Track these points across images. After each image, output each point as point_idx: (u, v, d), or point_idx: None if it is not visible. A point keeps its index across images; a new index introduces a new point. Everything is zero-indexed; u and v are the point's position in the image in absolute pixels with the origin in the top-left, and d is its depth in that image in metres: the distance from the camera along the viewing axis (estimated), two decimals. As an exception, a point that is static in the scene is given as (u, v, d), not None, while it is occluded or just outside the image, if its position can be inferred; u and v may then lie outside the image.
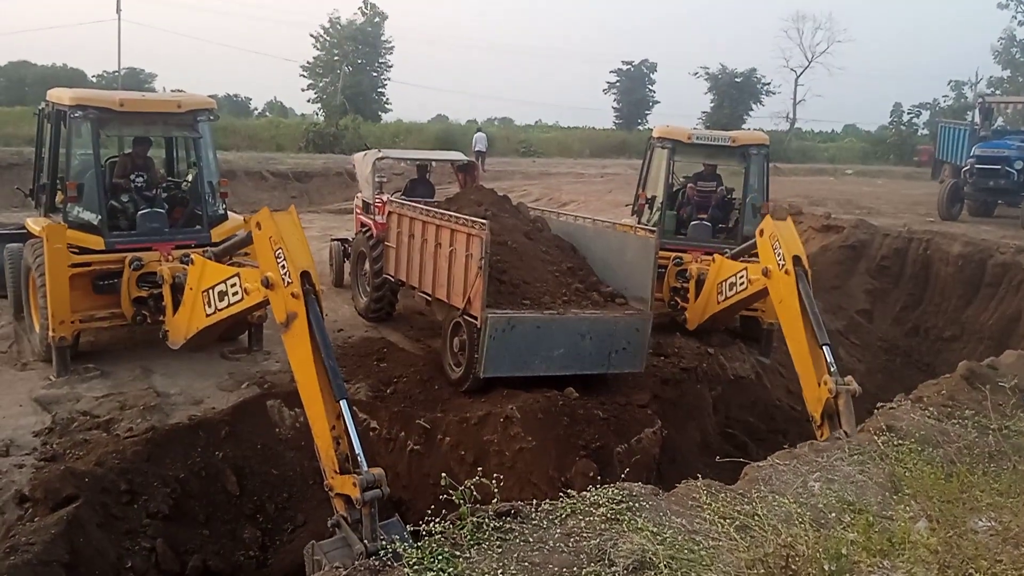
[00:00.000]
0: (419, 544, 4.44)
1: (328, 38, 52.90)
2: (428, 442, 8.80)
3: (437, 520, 4.54)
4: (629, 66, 61.64)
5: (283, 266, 6.49)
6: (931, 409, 7.00)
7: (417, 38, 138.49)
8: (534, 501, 5.02)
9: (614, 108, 62.68)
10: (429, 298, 10.36)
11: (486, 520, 4.63)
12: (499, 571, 4.13)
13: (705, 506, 4.80)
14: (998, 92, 53.08)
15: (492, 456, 8.39)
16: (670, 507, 5.03)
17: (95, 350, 10.11)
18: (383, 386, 9.90)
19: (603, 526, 4.67)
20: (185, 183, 10.77)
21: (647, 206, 12.97)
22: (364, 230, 12.75)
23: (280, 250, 6.51)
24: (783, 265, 8.91)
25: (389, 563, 4.51)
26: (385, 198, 12.05)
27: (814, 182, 31.80)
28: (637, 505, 4.93)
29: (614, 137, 54.77)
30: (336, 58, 51.97)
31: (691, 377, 10.78)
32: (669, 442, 9.53)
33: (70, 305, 9.15)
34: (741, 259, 10.84)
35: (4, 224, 13.23)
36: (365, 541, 5.64)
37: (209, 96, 10.78)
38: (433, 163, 15.89)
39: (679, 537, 4.55)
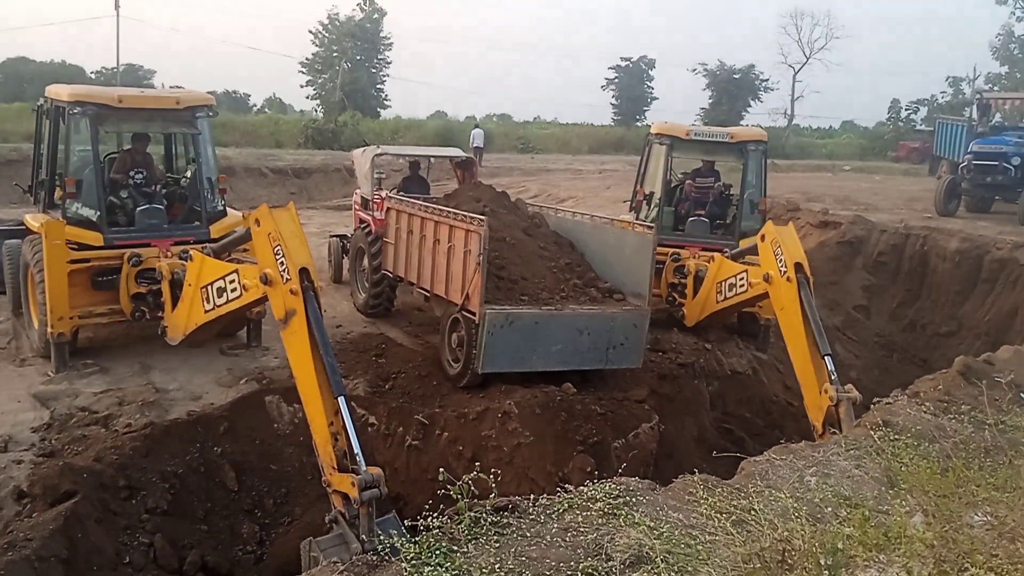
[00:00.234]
0: (417, 539, 4.46)
1: (327, 34, 52.81)
2: (426, 437, 8.82)
3: (435, 515, 4.55)
4: (627, 62, 61.53)
5: (282, 263, 6.50)
6: (927, 404, 7.03)
7: (416, 34, 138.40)
8: (532, 496, 5.04)
9: (612, 104, 62.58)
10: (428, 294, 10.37)
11: (484, 515, 4.64)
12: (496, 566, 4.14)
13: (702, 501, 4.81)
14: (996, 88, 53.04)
15: (490, 451, 8.41)
16: (667, 502, 5.05)
17: (94, 346, 10.12)
18: (381, 382, 9.92)
19: (600, 521, 4.69)
20: (184, 179, 10.77)
21: (645, 202, 12.99)
22: (363, 226, 12.76)
23: (279, 247, 6.53)
24: (785, 272, 8.90)
25: (387, 558, 4.53)
26: (384, 194, 12.06)
27: (812, 178, 31.81)
28: (634, 500, 4.96)
29: (612, 133, 54.72)
30: (335, 54, 51.84)
31: (688, 372, 10.81)
32: (666, 437, 9.55)
33: (69, 301, 9.15)
34: (741, 260, 10.85)
35: (3, 220, 13.21)
36: (362, 538, 5.66)
37: (208, 92, 10.78)
38: (431, 159, 15.90)
39: (676, 532, 4.57)
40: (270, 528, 8.10)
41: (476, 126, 39.08)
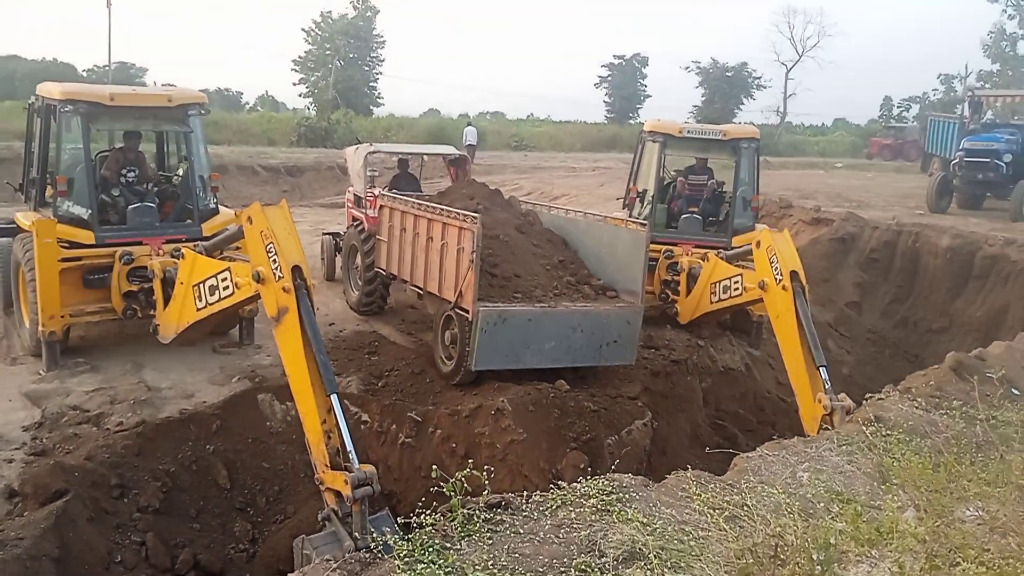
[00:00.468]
0: (410, 536, 4.46)
1: (320, 32, 52.73)
2: (419, 435, 8.81)
3: (428, 512, 4.55)
4: (620, 60, 61.66)
5: (274, 261, 6.48)
6: (919, 400, 7.05)
7: (409, 32, 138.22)
8: (525, 493, 5.05)
9: (605, 102, 62.71)
10: (421, 292, 10.35)
11: (477, 512, 4.65)
12: (489, 563, 4.15)
13: (695, 497, 4.82)
14: (987, 86, 53.29)
15: (483, 448, 8.41)
16: (660, 498, 5.06)
17: (85, 345, 10.07)
18: (374, 379, 9.91)
19: (593, 517, 4.70)
20: (176, 177, 10.73)
21: (638, 200, 13.00)
22: (356, 224, 12.73)
23: (271, 245, 6.50)
24: (780, 280, 8.91)
25: (380, 555, 4.53)
26: (377, 192, 12.04)
27: (804, 175, 31.91)
28: (627, 496, 4.96)
29: (606, 131, 54.76)
30: (328, 52, 51.80)
31: (681, 369, 10.82)
32: (659, 434, 9.57)
33: (60, 299, 9.11)
34: (735, 263, 10.85)
35: (-7, 219, 13.15)
36: (355, 536, 5.65)
37: (200, 90, 10.75)
38: (425, 157, 15.88)
39: (669, 528, 4.58)
40: (263, 526, 8.08)
41: (469, 124, 39.06)
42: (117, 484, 7.45)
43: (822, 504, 4.95)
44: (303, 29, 52.95)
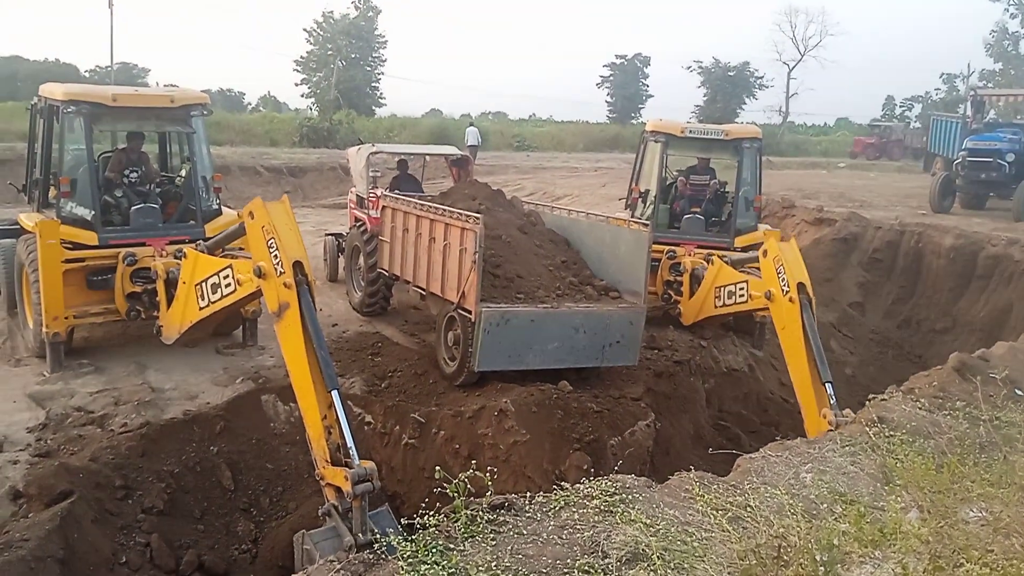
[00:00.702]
0: (413, 537, 4.46)
1: (321, 32, 52.75)
2: (422, 436, 8.82)
3: (431, 513, 4.55)
4: (622, 60, 61.60)
5: (276, 256, 6.48)
6: (922, 400, 7.03)
7: (411, 32, 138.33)
8: (528, 494, 5.03)
9: (607, 102, 62.63)
10: (423, 292, 10.36)
11: (480, 513, 4.64)
12: (493, 564, 4.14)
13: (698, 498, 4.81)
14: (990, 85, 53.30)
15: (486, 449, 8.40)
16: (663, 499, 5.05)
17: (89, 346, 10.10)
18: (378, 380, 9.92)
19: (597, 518, 4.69)
20: (179, 178, 10.75)
21: (640, 200, 13.01)
22: (358, 225, 12.74)
23: (273, 240, 6.51)
24: (787, 292, 8.85)
25: (383, 556, 4.53)
26: (379, 192, 12.06)
27: (807, 175, 31.90)
28: (630, 497, 4.95)
29: (608, 131, 54.74)
30: (330, 53, 51.79)
31: (684, 370, 10.82)
32: (662, 434, 9.56)
33: (63, 301, 9.14)
34: (740, 268, 10.82)
35: (-3, 220, 13.18)
36: (356, 534, 5.66)
37: (202, 91, 10.76)
38: (427, 157, 15.89)
39: (672, 529, 4.57)
40: (266, 527, 8.10)
41: (471, 124, 39.09)
42: (121, 485, 7.47)
43: (825, 505, 4.94)
44: (305, 29, 52.97)
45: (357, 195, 13.42)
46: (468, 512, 4.60)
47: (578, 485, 5.17)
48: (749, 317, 12.13)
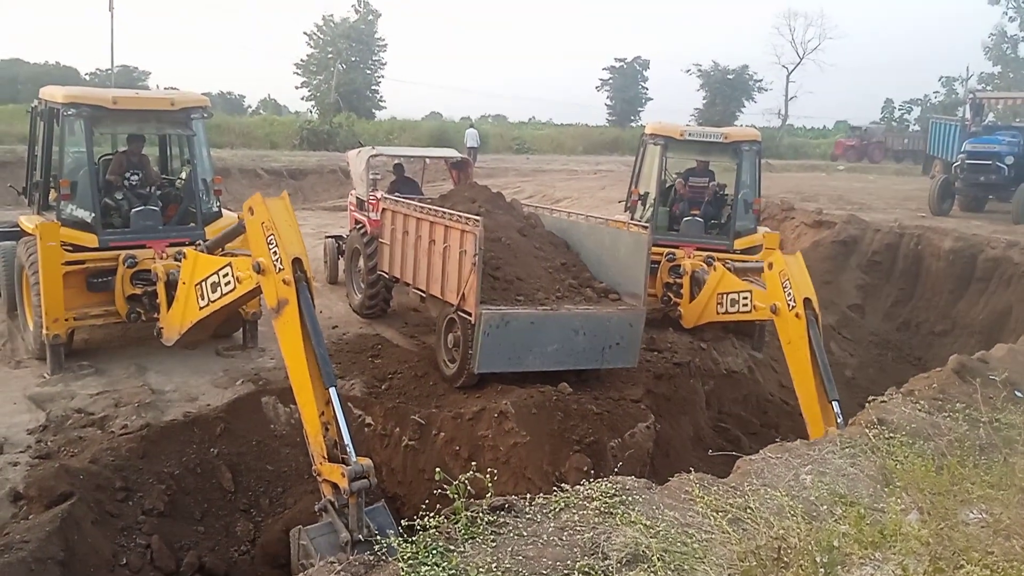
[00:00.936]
0: (413, 539, 4.46)
1: (322, 36, 52.84)
2: (423, 438, 8.82)
3: (432, 515, 4.55)
4: (622, 63, 61.75)
5: (275, 252, 6.49)
6: (922, 402, 7.03)
7: (410, 34, 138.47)
8: (528, 495, 5.04)
9: (607, 105, 62.81)
10: (423, 295, 10.37)
11: (480, 514, 4.64)
12: (493, 565, 4.15)
13: (698, 499, 4.81)
14: (989, 88, 53.30)
15: (486, 451, 8.41)
16: (663, 500, 5.06)
17: (89, 348, 10.11)
18: (378, 382, 9.92)
19: (597, 520, 4.69)
20: (179, 181, 10.76)
21: (640, 202, 13.03)
22: (358, 227, 12.75)
23: (272, 236, 6.51)
24: (793, 307, 8.76)
25: (383, 558, 4.53)
26: (379, 195, 12.07)
27: (806, 178, 31.89)
28: (630, 499, 4.96)
29: (607, 134, 54.82)
30: (330, 56, 51.89)
31: (684, 372, 10.83)
32: (662, 436, 9.57)
33: (64, 303, 9.14)
34: (743, 277, 10.80)
35: (-3, 222, 13.18)
36: (352, 531, 5.67)
37: (203, 94, 10.77)
38: (426, 160, 15.90)
39: (672, 530, 4.57)
40: (266, 527, 8.09)
41: (471, 127, 39.12)
42: (122, 487, 7.47)
43: (825, 507, 4.94)
44: (305, 32, 53.16)
45: (357, 198, 13.43)
46: (468, 514, 4.60)
47: (578, 487, 5.18)
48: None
